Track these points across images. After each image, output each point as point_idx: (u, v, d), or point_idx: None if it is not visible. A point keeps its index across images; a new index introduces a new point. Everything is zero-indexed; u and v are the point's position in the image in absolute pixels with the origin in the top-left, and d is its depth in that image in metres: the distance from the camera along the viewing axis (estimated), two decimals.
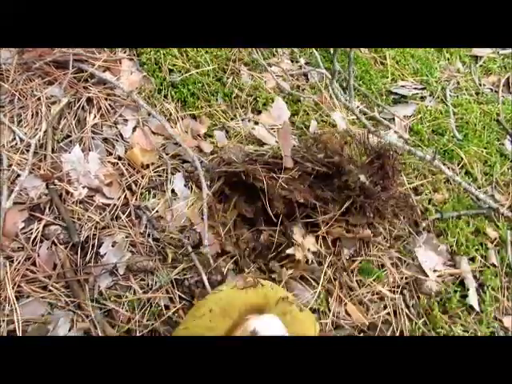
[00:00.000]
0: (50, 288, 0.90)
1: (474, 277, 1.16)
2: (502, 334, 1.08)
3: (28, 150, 1.06)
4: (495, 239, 1.26)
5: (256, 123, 1.32)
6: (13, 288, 0.87)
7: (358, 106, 1.42)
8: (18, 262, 0.90)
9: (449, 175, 1.25)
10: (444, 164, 1.34)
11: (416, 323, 1.02)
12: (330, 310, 0.99)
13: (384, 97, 1.52)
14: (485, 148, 1.45)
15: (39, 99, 1.17)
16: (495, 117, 1.55)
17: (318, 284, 1.02)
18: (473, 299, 1.10)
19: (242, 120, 1.31)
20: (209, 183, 1.13)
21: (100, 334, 0.86)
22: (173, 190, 1.12)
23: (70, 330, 0.86)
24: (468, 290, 1.12)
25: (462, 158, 1.40)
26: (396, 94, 1.54)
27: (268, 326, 0.74)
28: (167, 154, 1.18)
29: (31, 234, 0.95)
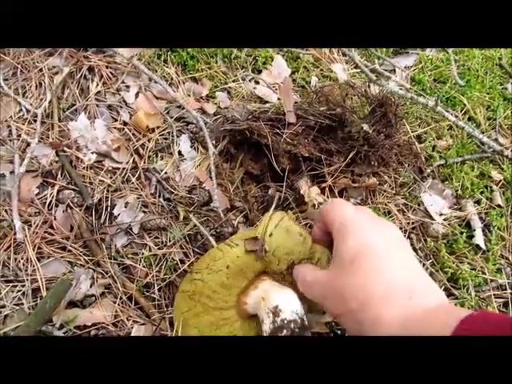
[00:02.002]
0: (69, 248, 0.93)
1: (480, 218, 1.17)
2: (508, 270, 1.10)
3: (35, 120, 1.08)
4: (500, 182, 1.27)
5: (257, 82, 1.32)
6: (33, 249, 0.90)
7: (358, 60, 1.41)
8: (36, 226, 0.94)
9: (452, 120, 1.25)
10: (447, 111, 1.33)
11: (424, 264, 1.05)
12: None
13: (384, 49, 1.50)
14: (487, 93, 1.44)
15: (41, 70, 1.18)
16: (497, 61, 1.54)
17: None
18: (479, 239, 1.12)
19: (243, 80, 1.32)
20: (214, 143, 1.14)
21: (120, 289, 0.90)
22: (179, 152, 1.14)
23: (91, 286, 0.90)
24: (474, 230, 1.14)
25: (465, 105, 1.40)
26: None
27: (290, 302, 0.74)
28: (171, 117, 1.19)
29: (46, 198, 0.98)
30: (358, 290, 0.59)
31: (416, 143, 1.25)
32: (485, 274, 1.07)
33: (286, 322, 0.71)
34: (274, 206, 0.98)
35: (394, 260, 0.60)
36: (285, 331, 0.71)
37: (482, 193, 1.23)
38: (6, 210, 0.95)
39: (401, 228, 1.11)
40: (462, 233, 1.13)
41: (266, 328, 0.72)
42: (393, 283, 0.58)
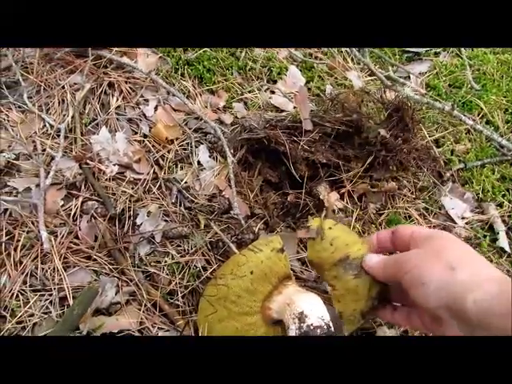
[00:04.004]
0: (94, 257, 0.95)
1: (503, 221, 1.16)
2: None
3: (59, 135, 1.11)
4: None
5: (272, 92, 1.34)
6: (59, 259, 0.92)
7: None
8: (62, 236, 0.96)
9: (470, 124, 1.25)
10: (464, 115, 1.33)
11: None
12: None
13: (397, 56, 1.52)
14: (504, 96, 1.44)
15: (63, 87, 1.22)
16: None
17: None
18: (503, 242, 1.10)
19: (259, 90, 1.34)
20: (232, 152, 1.16)
21: (145, 296, 0.90)
22: (199, 162, 1.16)
23: (116, 294, 0.91)
24: (498, 233, 1.12)
25: (482, 109, 1.40)
26: (409, 51, 1.54)
27: (315, 308, 0.74)
28: (190, 129, 1.22)
29: (70, 210, 1.00)
30: (453, 252, 0.62)
31: (434, 147, 1.25)
32: (511, 277, 1.05)
33: (312, 327, 0.71)
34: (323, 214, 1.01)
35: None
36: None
37: (503, 196, 1.22)
38: (32, 222, 0.97)
39: None
40: (485, 236, 1.11)
41: (292, 333, 0.72)
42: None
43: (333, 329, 0.73)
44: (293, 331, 0.72)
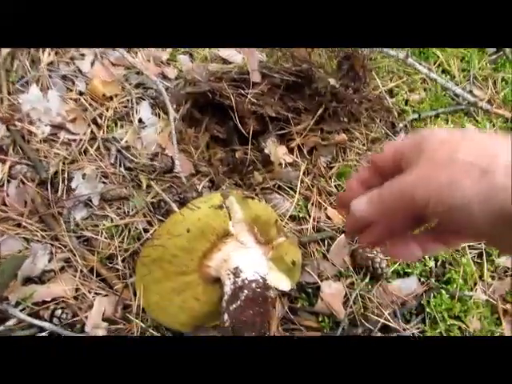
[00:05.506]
0: (24, 224, 0.89)
1: None
2: None
3: None
4: None
5: None
6: None
7: None
8: None
9: (424, 73, 1.21)
10: (419, 63, 1.29)
11: None
12: (310, 216, 0.98)
13: None
14: None
15: None
16: None
17: (295, 192, 1.01)
18: None
19: None
20: (175, 107, 1.09)
21: (80, 262, 0.86)
22: (140, 119, 1.09)
23: (49, 262, 0.86)
24: None
25: (439, 57, 1.35)
26: None
27: (252, 262, 0.72)
28: (130, 84, 1.14)
29: None
30: (467, 149, 0.44)
31: (387, 97, 1.21)
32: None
33: (246, 282, 0.68)
34: None
35: None
36: (246, 291, 0.68)
37: None
38: None
39: None
40: None
41: (227, 289, 0.69)
42: None
43: (270, 282, 0.70)
44: (228, 287, 0.69)
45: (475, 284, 0.95)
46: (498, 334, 0.88)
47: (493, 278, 0.98)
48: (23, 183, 0.93)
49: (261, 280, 0.69)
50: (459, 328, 0.88)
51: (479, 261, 1.00)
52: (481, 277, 0.97)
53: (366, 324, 0.84)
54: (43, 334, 0.78)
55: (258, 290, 0.68)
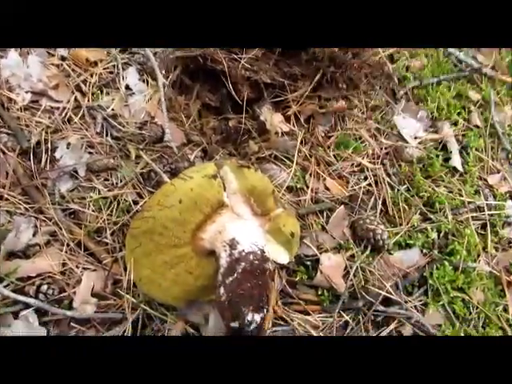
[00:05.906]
0: (6, 197, 0.83)
1: (457, 140, 1.11)
2: (487, 191, 1.05)
3: None
4: (478, 102, 1.20)
5: None
6: None
7: None
8: None
9: None
10: None
11: (398, 190, 0.98)
12: (308, 187, 0.94)
13: None
14: None
15: None
16: None
17: (292, 162, 0.96)
18: (456, 161, 1.06)
19: None
20: (164, 73, 1.03)
21: (66, 235, 0.81)
22: (127, 86, 1.03)
23: (34, 235, 0.81)
24: (451, 152, 1.07)
25: None
26: None
27: (249, 233, 0.68)
28: (116, 49, 1.07)
29: None
30: None
31: (388, 63, 1.16)
32: (462, 196, 1.02)
33: (243, 253, 0.64)
34: None
35: None
36: (243, 263, 0.64)
37: (458, 114, 1.16)
38: None
39: (373, 154, 1.03)
40: (437, 156, 1.06)
41: (223, 262, 0.65)
42: None
43: (268, 254, 0.66)
44: (223, 259, 0.65)
45: (479, 255, 0.92)
46: (501, 306, 0.87)
47: (496, 249, 0.95)
48: (3, 153, 0.87)
49: (259, 252, 0.65)
50: (462, 300, 0.85)
51: (483, 232, 0.98)
52: (484, 248, 0.94)
53: (367, 297, 0.81)
54: (29, 310, 0.74)
55: (256, 262, 0.64)
